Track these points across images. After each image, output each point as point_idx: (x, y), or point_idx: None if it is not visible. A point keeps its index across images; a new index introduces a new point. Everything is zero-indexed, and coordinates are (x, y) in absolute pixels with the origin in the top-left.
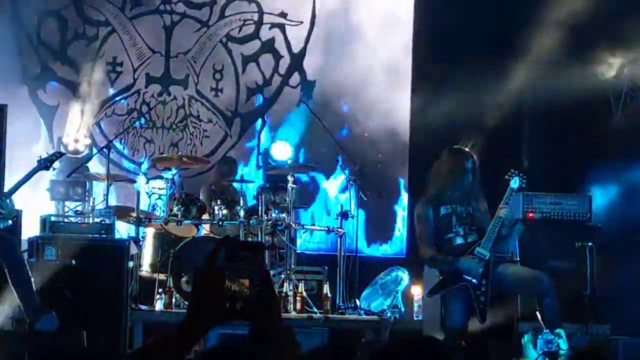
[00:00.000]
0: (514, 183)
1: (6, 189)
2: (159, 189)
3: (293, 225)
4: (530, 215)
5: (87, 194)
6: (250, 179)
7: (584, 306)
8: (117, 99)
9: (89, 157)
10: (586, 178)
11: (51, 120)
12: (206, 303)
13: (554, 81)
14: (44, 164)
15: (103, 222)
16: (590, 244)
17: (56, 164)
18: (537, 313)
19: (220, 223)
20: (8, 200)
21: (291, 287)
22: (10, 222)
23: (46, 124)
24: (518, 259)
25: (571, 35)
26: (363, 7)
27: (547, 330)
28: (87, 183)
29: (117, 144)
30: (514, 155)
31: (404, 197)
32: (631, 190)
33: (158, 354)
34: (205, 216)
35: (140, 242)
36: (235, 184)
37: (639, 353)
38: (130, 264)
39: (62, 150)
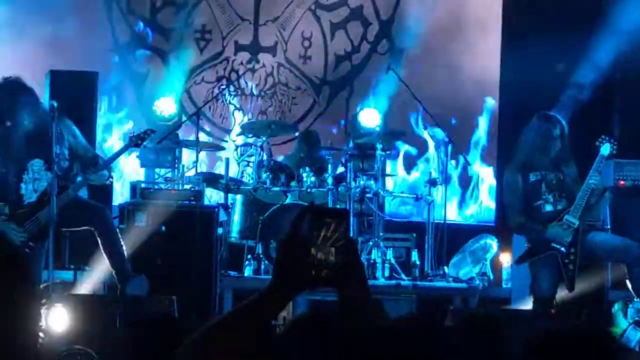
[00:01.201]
0: (605, 150)
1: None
2: (248, 156)
3: (381, 192)
4: (622, 182)
5: (176, 161)
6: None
7: None
8: (206, 66)
9: (178, 124)
10: None
11: (141, 87)
12: (290, 270)
13: None
14: (135, 141)
15: (192, 189)
16: None
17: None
18: (627, 282)
19: (309, 190)
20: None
21: (379, 255)
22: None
23: (136, 91)
24: (609, 227)
25: None
26: None
27: (638, 299)
28: (177, 150)
29: (206, 111)
30: (605, 122)
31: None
32: None
33: (243, 320)
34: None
35: (230, 209)
36: (322, 151)
37: None
38: (220, 230)
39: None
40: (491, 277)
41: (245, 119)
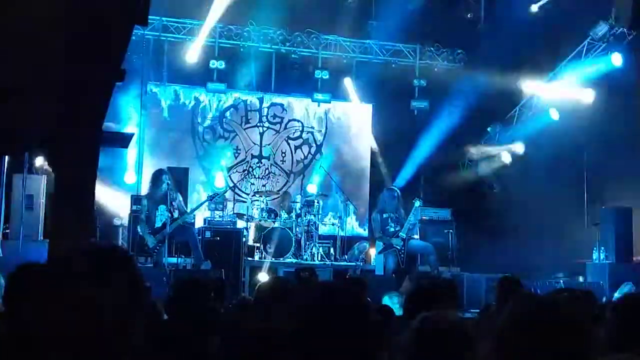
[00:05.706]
0: (417, 203)
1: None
2: (256, 204)
3: (317, 221)
4: (424, 218)
5: (225, 207)
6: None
7: None
8: (238, 164)
9: (225, 191)
10: None
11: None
12: None
13: None
14: (210, 199)
15: (231, 220)
16: None
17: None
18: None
19: (284, 220)
20: (192, 216)
21: (316, 249)
22: (189, 220)
23: (208, 179)
24: (418, 237)
25: None
26: (346, 121)
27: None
28: (224, 202)
29: (238, 184)
30: (416, 189)
31: None
32: None
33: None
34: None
35: (247, 229)
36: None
37: None
38: (244, 239)
39: (216, 189)
40: (365, 260)
41: (255, 188)
